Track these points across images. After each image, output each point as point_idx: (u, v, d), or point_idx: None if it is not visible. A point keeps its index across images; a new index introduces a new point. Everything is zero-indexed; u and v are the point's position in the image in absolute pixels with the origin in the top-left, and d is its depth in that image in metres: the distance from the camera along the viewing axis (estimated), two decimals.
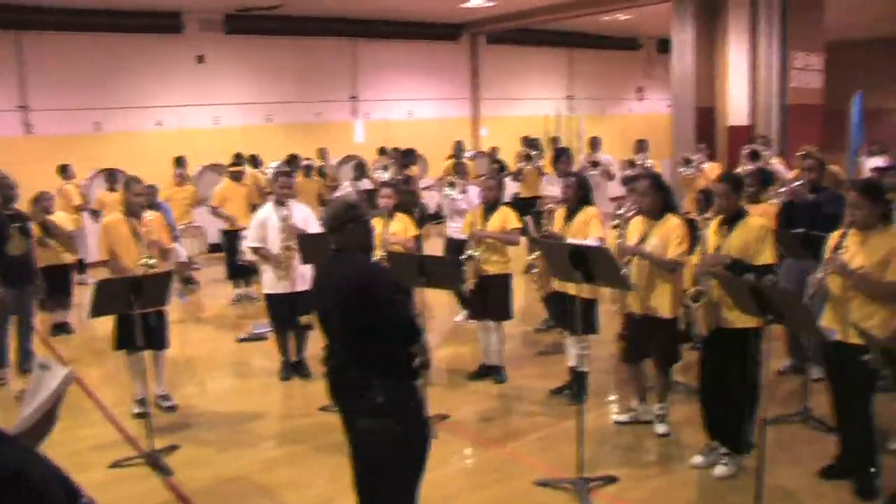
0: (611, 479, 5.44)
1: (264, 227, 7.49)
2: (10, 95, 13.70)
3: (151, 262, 6.60)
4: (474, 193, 8.94)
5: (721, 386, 5.41)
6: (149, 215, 6.97)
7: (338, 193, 12.32)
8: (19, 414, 2.13)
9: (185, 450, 6.15)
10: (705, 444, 5.65)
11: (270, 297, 7.64)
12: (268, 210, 7.64)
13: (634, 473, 5.62)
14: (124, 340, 6.54)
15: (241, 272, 10.74)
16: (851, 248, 4.90)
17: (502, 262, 7.34)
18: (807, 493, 5.18)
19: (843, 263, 4.84)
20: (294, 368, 7.78)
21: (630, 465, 5.76)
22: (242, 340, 8.99)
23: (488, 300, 7.38)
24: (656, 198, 5.81)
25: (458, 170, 9.93)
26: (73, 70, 14.19)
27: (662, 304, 5.81)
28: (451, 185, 9.16)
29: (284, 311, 7.56)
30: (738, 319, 5.03)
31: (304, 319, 7.59)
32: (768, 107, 12.92)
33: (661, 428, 6.11)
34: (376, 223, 7.66)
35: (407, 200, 9.24)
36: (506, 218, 7.27)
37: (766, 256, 5.18)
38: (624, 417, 6.44)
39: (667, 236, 5.71)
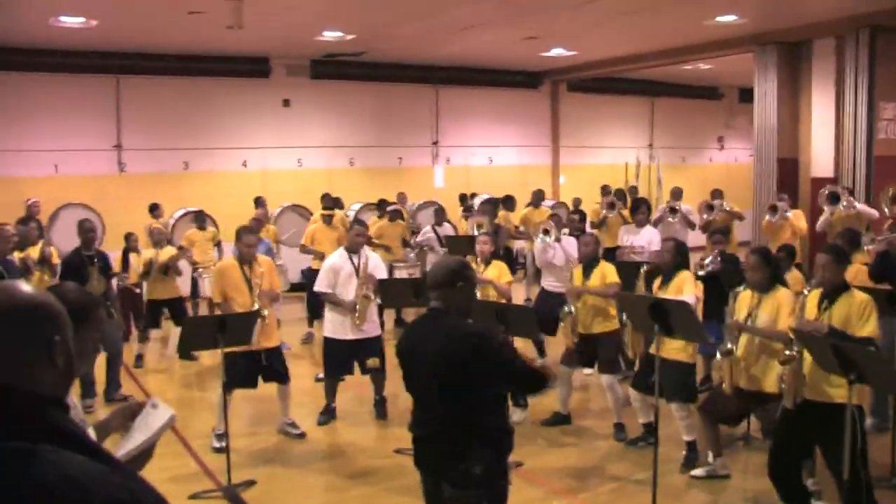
0: None
1: (336, 273, 7.60)
2: (108, 136, 14.27)
3: (265, 313, 6.82)
4: (569, 244, 8.93)
5: (800, 453, 5.33)
6: (261, 261, 7.21)
7: (419, 238, 12.47)
8: (121, 446, 2.27)
9: (261, 485, 6.25)
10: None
11: (329, 342, 7.72)
12: (339, 257, 7.76)
13: None
14: (231, 378, 6.66)
15: (320, 313, 10.93)
16: None
17: (609, 320, 7.33)
18: None
19: None
20: (376, 406, 7.90)
21: None
22: (320, 380, 9.12)
23: (597, 355, 7.38)
24: (765, 272, 5.75)
25: (555, 221, 9.92)
26: (165, 111, 14.71)
27: (769, 379, 5.69)
28: (546, 231, 9.10)
29: (343, 356, 7.65)
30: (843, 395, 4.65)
31: (370, 362, 7.67)
32: (854, 158, 12.63)
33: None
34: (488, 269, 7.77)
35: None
36: (605, 273, 7.30)
37: (868, 329, 4.93)
38: (700, 472, 6.34)
39: (776, 309, 5.62)
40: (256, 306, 6.81)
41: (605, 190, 15.19)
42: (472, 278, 3.89)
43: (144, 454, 2.28)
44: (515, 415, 7.59)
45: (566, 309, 7.28)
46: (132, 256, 10.34)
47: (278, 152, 15.84)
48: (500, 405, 3.95)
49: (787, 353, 5.17)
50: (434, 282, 3.83)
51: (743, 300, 5.82)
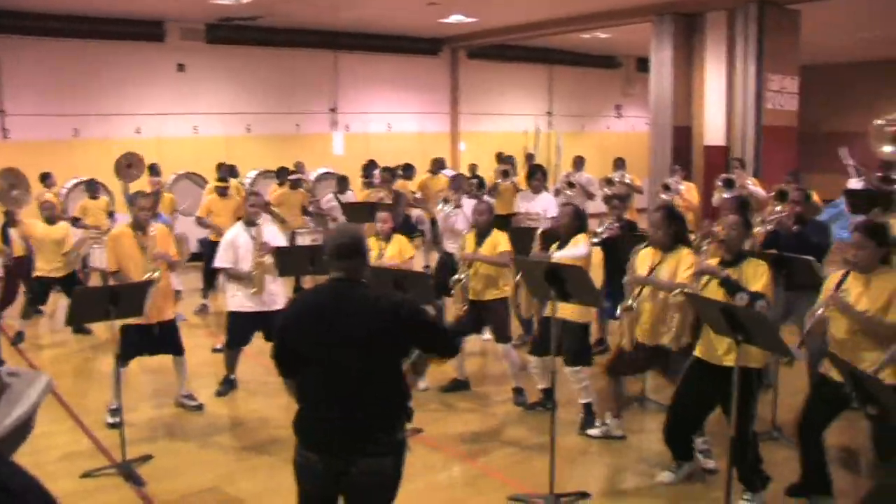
0: (583, 495, 5.50)
1: (235, 248, 7.48)
2: None
3: (156, 275, 6.64)
4: (469, 207, 8.96)
5: (698, 415, 5.54)
6: (155, 228, 7.01)
7: (323, 205, 12.36)
8: None
9: (158, 460, 6.14)
10: (672, 460, 5.75)
11: (234, 315, 7.58)
12: (237, 230, 7.64)
13: (606, 489, 5.70)
14: (125, 351, 6.58)
15: (213, 284, 10.83)
16: (854, 291, 4.92)
17: (500, 288, 7.39)
18: None
19: (844, 301, 4.86)
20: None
21: (603, 480, 5.84)
22: (218, 351, 8.98)
23: (488, 324, 7.48)
24: (669, 229, 5.86)
25: (453, 185, 9.93)
26: (53, 75, 14.17)
27: (670, 335, 5.83)
28: (446, 200, 9.13)
29: (244, 329, 7.54)
30: (744, 358, 4.82)
31: None
32: (744, 128, 13.06)
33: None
34: (372, 246, 7.72)
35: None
36: (497, 241, 7.33)
37: (761, 284, 5.10)
38: (595, 432, 6.50)
39: (676, 267, 5.74)
40: (149, 273, 6.64)
41: (500, 157, 15.27)
42: (368, 250, 3.77)
43: (22, 429, 2.12)
44: (420, 383, 7.65)
45: (457, 276, 7.32)
46: (12, 231, 9.88)
47: (173, 119, 15.45)
48: (452, 347, 3.99)
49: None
50: (339, 251, 3.61)
51: (644, 257, 5.96)
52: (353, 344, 3.48)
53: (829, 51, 19.37)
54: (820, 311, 4.96)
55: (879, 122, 7.98)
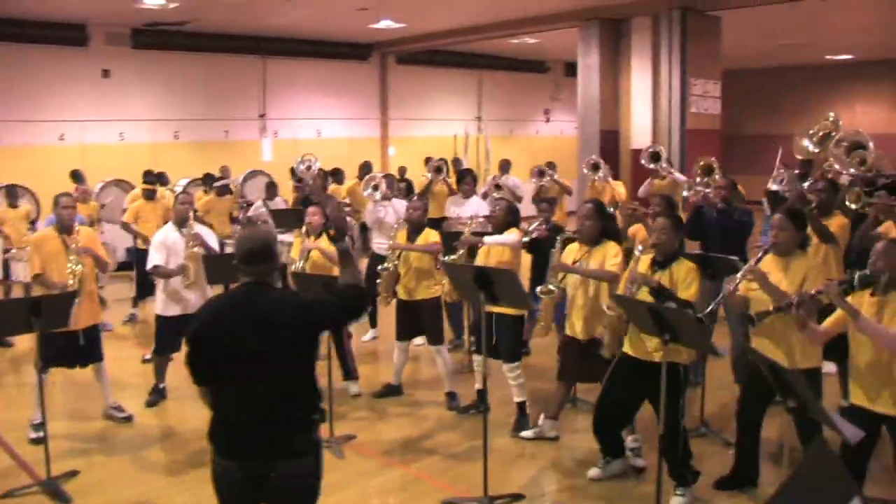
0: (517, 497, 5.54)
1: (167, 248, 7.36)
2: None
3: (78, 267, 6.48)
4: (399, 205, 8.95)
5: (626, 409, 5.62)
6: (81, 230, 6.86)
7: (251, 213, 12.23)
8: None
9: (85, 475, 6.00)
10: (602, 457, 5.83)
11: (161, 319, 7.47)
12: (168, 230, 7.53)
13: (540, 490, 5.74)
14: (46, 357, 6.30)
15: (150, 291, 10.60)
16: (774, 275, 5.04)
17: (432, 287, 7.40)
18: (700, 501, 5.39)
19: (762, 272, 4.96)
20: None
21: (537, 481, 5.89)
22: (148, 361, 8.81)
23: (422, 325, 7.46)
24: (597, 223, 5.91)
25: (387, 180, 9.90)
26: None
27: (601, 329, 5.89)
28: (375, 187, 9.05)
29: (173, 334, 7.26)
30: (672, 354, 4.93)
31: None
32: (669, 131, 13.33)
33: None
34: (298, 243, 7.69)
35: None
36: (429, 237, 7.37)
37: (690, 293, 5.21)
38: (528, 434, 6.55)
39: (603, 259, 5.82)
40: (70, 265, 6.50)
41: (429, 162, 15.26)
42: (279, 254, 3.78)
43: None
44: (352, 388, 7.63)
45: (386, 265, 7.31)
46: None
47: (98, 125, 15.13)
48: (361, 304, 3.97)
49: (609, 311, 5.42)
50: (248, 256, 3.58)
51: (570, 251, 6.03)
52: (265, 348, 3.47)
53: (749, 56, 19.84)
54: (738, 278, 5.07)
55: (812, 130, 8.21)
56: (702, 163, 8.90)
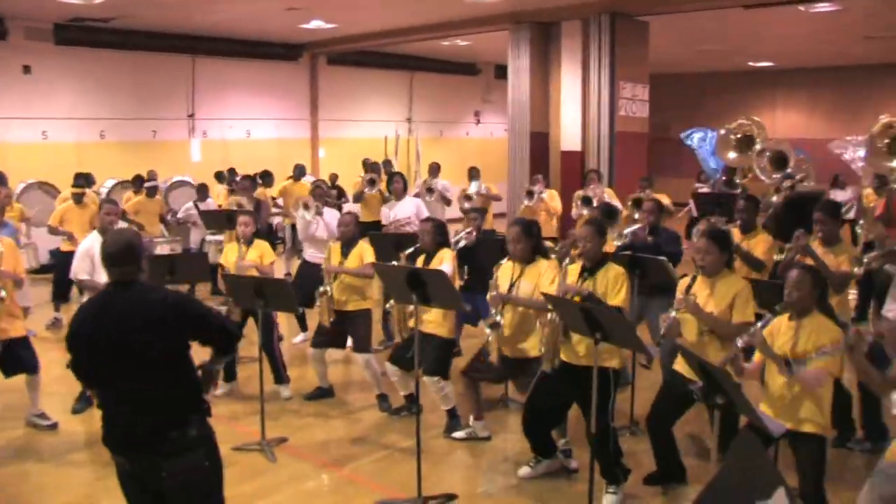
0: (450, 497, 5.56)
1: (92, 258, 7.17)
2: None
3: (2, 294, 6.31)
4: (330, 216, 8.90)
5: (555, 410, 5.68)
6: (2, 241, 6.62)
7: (181, 214, 12.10)
8: None
9: (9, 486, 5.85)
10: (533, 456, 5.90)
11: None
12: (93, 239, 7.33)
13: (473, 489, 5.77)
14: None
15: (65, 297, 10.39)
16: (701, 295, 5.20)
17: (363, 299, 7.39)
18: (631, 497, 5.49)
19: (695, 303, 5.11)
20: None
21: (469, 481, 5.92)
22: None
23: (347, 334, 7.46)
24: (527, 244, 5.94)
25: (315, 192, 9.82)
26: None
27: (531, 345, 5.94)
28: (305, 206, 9.03)
29: None
30: (604, 358, 5.03)
31: None
32: (598, 134, 13.48)
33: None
34: (232, 249, 7.61)
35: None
36: (363, 253, 7.34)
37: (619, 299, 5.30)
38: (461, 434, 6.58)
39: (537, 279, 5.84)
40: None
41: (366, 164, 15.24)
42: (146, 252, 3.83)
43: None
44: (283, 391, 7.56)
45: (322, 288, 7.28)
46: None
47: (19, 124, 14.73)
48: (229, 343, 3.99)
49: (549, 316, 5.47)
50: (113, 258, 3.65)
51: (505, 272, 6.04)
52: (132, 346, 3.54)
53: (676, 61, 20.24)
54: (672, 314, 5.21)
55: (724, 131, 8.42)
56: (630, 200, 9.08)
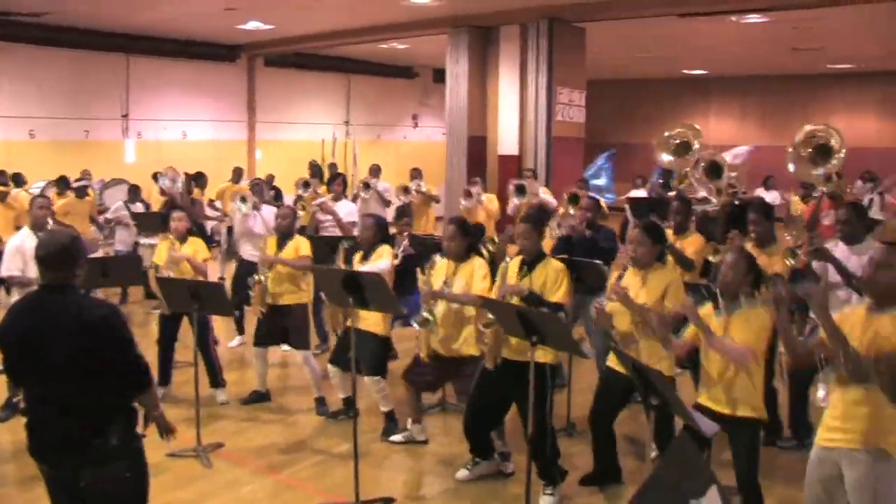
0: (388, 501, 5.56)
1: (23, 254, 7.02)
2: None
3: None
4: (268, 213, 8.84)
5: (496, 409, 5.72)
6: None
7: (110, 215, 11.88)
8: None
9: None
10: (470, 458, 5.93)
11: None
12: (23, 235, 7.17)
13: (411, 492, 5.78)
14: None
15: None
16: (633, 286, 5.29)
17: (299, 292, 7.36)
18: (567, 499, 5.54)
19: (625, 293, 5.18)
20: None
21: (407, 485, 5.93)
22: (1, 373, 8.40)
23: (288, 329, 7.38)
24: (462, 241, 5.97)
25: (253, 189, 9.74)
26: None
27: (466, 343, 5.98)
28: (243, 199, 8.94)
29: None
30: (539, 354, 5.04)
31: None
32: (536, 138, 13.60)
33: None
34: (165, 246, 7.52)
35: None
36: (299, 246, 7.32)
37: (560, 295, 5.36)
38: (398, 438, 6.59)
39: (470, 277, 5.88)
40: None
41: (312, 166, 15.16)
42: (86, 256, 3.75)
43: None
44: (219, 395, 7.48)
45: (257, 277, 7.24)
46: None
47: None
48: (142, 383, 3.84)
49: (490, 316, 5.51)
50: (47, 261, 3.59)
51: (439, 269, 6.08)
52: (59, 353, 3.48)
53: (612, 68, 20.51)
54: (604, 302, 5.30)
55: (666, 134, 8.57)
56: (566, 195, 9.19)
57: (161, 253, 7.54)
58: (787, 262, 6.16)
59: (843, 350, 3.73)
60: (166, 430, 3.99)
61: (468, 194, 11.34)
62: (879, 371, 3.71)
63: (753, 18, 13.08)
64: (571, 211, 8.52)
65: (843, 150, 7.19)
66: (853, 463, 3.87)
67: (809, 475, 4.11)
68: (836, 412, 3.96)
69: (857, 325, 3.88)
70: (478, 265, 5.92)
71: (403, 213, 9.15)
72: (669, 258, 6.41)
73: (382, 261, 6.54)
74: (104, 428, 3.55)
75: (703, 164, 8.27)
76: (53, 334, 3.49)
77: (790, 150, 7.44)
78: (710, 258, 6.90)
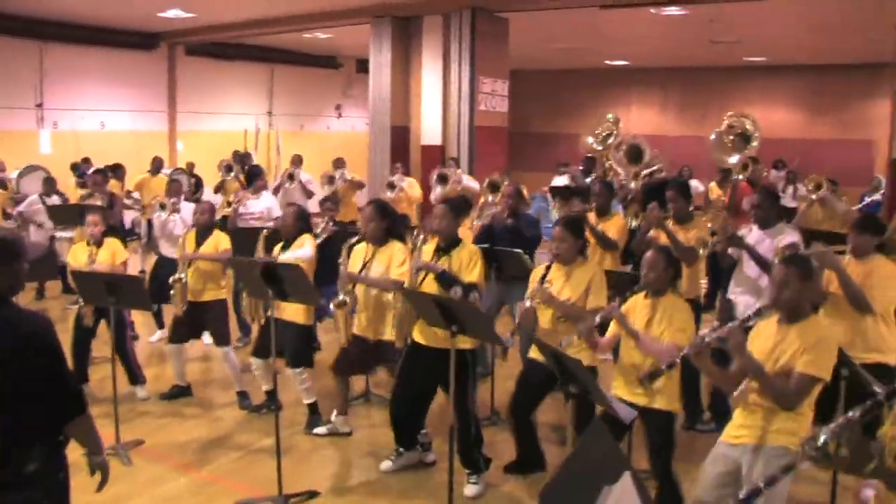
0: (312, 494, 5.54)
1: None
2: None
3: None
4: (186, 209, 8.69)
5: (421, 398, 5.72)
6: None
7: (22, 208, 11.52)
8: None
9: None
10: (394, 449, 5.94)
11: None
12: None
13: (335, 485, 5.76)
14: None
15: None
16: (557, 282, 5.35)
17: (218, 288, 7.28)
18: (492, 486, 5.59)
19: (549, 293, 5.25)
20: None
21: (332, 477, 5.90)
22: None
23: (206, 327, 7.33)
24: (380, 223, 5.95)
25: (171, 188, 9.52)
26: None
27: (388, 328, 5.99)
28: (162, 206, 8.78)
29: None
30: (458, 340, 5.03)
31: None
32: (458, 128, 13.65)
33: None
34: (81, 250, 7.25)
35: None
36: (218, 241, 7.23)
37: (474, 276, 5.40)
38: (322, 430, 6.56)
39: (389, 260, 5.88)
40: None
41: (236, 156, 14.95)
42: (23, 256, 3.39)
43: None
44: (139, 392, 7.35)
45: (177, 276, 7.13)
46: None
47: None
48: (76, 407, 3.51)
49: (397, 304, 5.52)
50: None
51: (357, 253, 6.09)
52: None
53: (535, 58, 20.65)
54: (528, 303, 5.35)
55: (598, 130, 8.71)
56: (487, 181, 9.26)
57: (78, 256, 7.21)
58: (700, 253, 6.33)
59: (764, 381, 3.81)
60: (104, 480, 3.66)
61: (391, 186, 11.34)
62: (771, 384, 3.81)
63: (672, 11, 13.30)
64: (490, 198, 8.60)
65: (759, 135, 7.40)
66: (755, 459, 3.93)
67: (709, 469, 4.14)
68: (744, 410, 4.04)
69: (769, 339, 3.97)
70: (397, 249, 5.94)
71: (328, 198, 9.13)
72: (590, 251, 6.52)
73: (302, 249, 6.53)
74: (27, 452, 3.30)
75: (624, 148, 8.42)
76: None
77: (713, 137, 7.62)
78: (632, 222, 7.09)
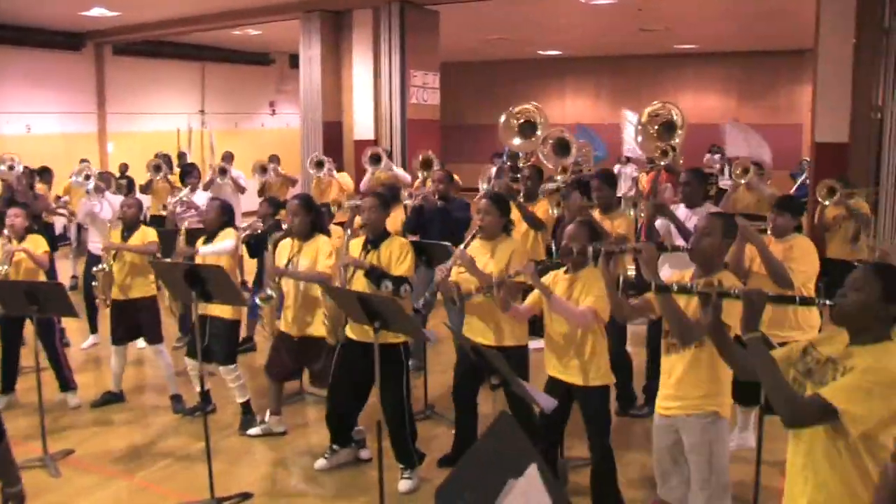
0: (246, 496, 5.50)
1: None
2: None
3: None
4: (115, 200, 8.56)
5: (356, 394, 5.69)
6: None
7: None
8: None
9: None
10: (328, 446, 5.94)
11: None
12: None
13: (270, 486, 5.73)
14: None
15: None
16: (482, 258, 5.35)
17: (148, 284, 7.18)
18: (426, 481, 5.61)
19: (470, 259, 5.26)
20: None
21: (266, 478, 5.87)
22: None
23: (140, 325, 7.22)
24: (306, 218, 5.92)
25: (105, 176, 9.43)
26: None
27: (316, 324, 6.00)
28: (87, 177, 8.67)
29: None
30: (387, 335, 5.09)
31: None
32: (391, 121, 13.66)
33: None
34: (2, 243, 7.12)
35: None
36: (145, 235, 7.15)
37: (404, 269, 5.38)
38: (256, 431, 6.52)
39: (315, 254, 5.88)
40: None
41: (179, 156, 14.76)
42: None
43: None
44: (70, 399, 7.22)
45: (101, 266, 7.04)
46: None
47: None
48: None
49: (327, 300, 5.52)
50: None
51: (283, 248, 6.08)
52: None
53: (467, 50, 20.69)
54: (448, 265, 5.40)
55: (504, 116, 8.72)
56: (420, 157, 9.28)
57: None
58: (629, 214, 6.40)
59: (668, 309, 3.89)
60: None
61: (319, 165, 11.36)
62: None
63: (600, 0, 13.43)
64: (421, 175, 8.64)
65: (685, 125, 7.53)
66: (689, 428, 4.04)
67: (656, 443, 4.28)
68: (670, 380, 4.12)
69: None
70: (322, 243, 5.95)
71: (267, 198, 9.07)
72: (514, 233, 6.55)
73: (224, 242, 6.51)
74: None
75: (551, 142, 8.49)
76: None
77: (639, 127, 7.73)
78: (553, 212, 7.20)
